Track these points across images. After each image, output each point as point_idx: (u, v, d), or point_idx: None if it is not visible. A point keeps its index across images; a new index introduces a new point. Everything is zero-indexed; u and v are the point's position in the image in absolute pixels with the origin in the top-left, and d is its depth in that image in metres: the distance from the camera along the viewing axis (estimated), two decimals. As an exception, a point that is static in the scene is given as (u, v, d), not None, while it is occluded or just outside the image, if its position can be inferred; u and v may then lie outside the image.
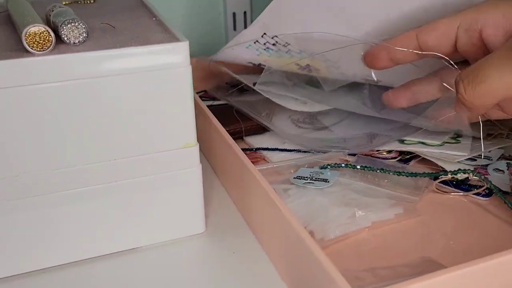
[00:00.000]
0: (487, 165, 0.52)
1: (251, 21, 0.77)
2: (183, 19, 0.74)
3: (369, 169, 0.49)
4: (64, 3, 0.60)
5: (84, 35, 0.39)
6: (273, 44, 0.58)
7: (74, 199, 0.39)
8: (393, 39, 0.48)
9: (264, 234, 0.43)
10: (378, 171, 0.49)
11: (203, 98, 0.69)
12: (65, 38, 0.39)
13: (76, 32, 0.39)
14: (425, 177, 0.48)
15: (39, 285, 0.39)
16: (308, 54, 0.56)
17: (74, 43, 0.39)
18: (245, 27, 0.77)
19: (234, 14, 0.75)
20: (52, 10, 0.43)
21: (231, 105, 0.64)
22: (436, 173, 0.49)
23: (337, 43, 0.52)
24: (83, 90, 0.36)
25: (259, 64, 0.62)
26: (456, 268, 0.30)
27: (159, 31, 0.43)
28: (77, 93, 0.36)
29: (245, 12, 0.72)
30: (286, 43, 0.57)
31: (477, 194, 0.48)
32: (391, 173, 0.48)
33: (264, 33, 0.57)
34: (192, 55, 0.39)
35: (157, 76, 0.37)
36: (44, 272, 0.40)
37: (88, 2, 0.61)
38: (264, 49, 0.59)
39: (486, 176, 0.51)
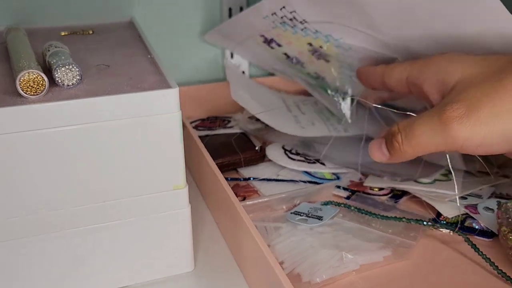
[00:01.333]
0: (477, 204, 0.52)
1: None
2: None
3: (361, 211, 0.50)
4: (62, 33, 0.61)
5: (78, 77, 0.40)
6: (290, 20, 0.56)
7: (67, 239, 0.39)
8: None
9: (250, 274, 0.43)
10: (366, 214, 0.49)
11: (199, 128, 0.70)
12: (59, 81, 0.39)
13: (70, 75, 0.40)
14: (412, 222, 0.48)
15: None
16: (324, 36, 0.56)
17: (68, 85, 0.40)
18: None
19: (230, 9, 0.75)
20: (48, 50, 0.44)
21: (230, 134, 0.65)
22: (419, 220, 0.48)
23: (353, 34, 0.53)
24: (75, 136, 0.36)
25: (271, 40, 0.62)
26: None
27: (152, 73, 0.43)
28: (69, 138, 0.36)
29: (241, 8, 0.73)
30: (304, 20, 0.56)
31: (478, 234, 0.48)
32: (379, 217, 0.48)
33: (283, 7, 0.55)
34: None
35: (148, 121, 0.38)
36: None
37: (87, 33, 0.62)
38: (280, 23, 0.58)
39: (475, 215, 0.51)
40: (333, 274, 0.42)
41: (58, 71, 0.39)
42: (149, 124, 0.38)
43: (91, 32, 0.63)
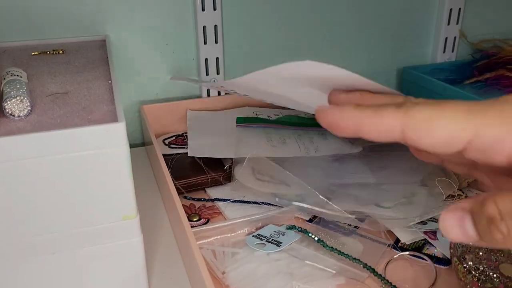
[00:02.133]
0: (436, 230, 0.52)
1: (224, 67, 0.79)
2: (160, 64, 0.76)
3: (319, 242, 0.49)
4: (33, 53, 0.62)
5: (28, 109, 0.40)
6: None
7: (18, 268, 0.40)
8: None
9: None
10: (323, 246, 0.49)
11: (171, 145, 0.70)
12: (9, 112, 0.40)
13: (21, 106, 0.40)
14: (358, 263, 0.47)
15: None
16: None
17: (18, 116, 0.40)
18: (217, 72, 0.78)
19: (206, 60, 0.76)
20: (4, 78, 0.44)
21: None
22: (366, 266, 0.47)
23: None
24: (22, 170, 0.37)
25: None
26: None
27: (106, 101, 0.44)
28: (17, 173, 0.37)
29: (216, 26, 0.74)
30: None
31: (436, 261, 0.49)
32: (334, 251, 0.48)
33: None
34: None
35: (95, 154, 0.38)
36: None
37: (57, 52, 0.63)
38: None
39: (434, 240, 0.51)
40: (284, 303, 0.43)
41: (9, 102, 0.40)
42: (96, 157, 0.38)
43: (61, 51, 0.63)
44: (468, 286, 0.43)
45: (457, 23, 0.88)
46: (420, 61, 0.92)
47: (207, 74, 0.78)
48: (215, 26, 0.75)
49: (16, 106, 0.40)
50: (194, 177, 0.62)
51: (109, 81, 0.50)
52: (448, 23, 0.88)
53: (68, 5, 0.70)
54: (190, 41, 0.76)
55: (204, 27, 0.75)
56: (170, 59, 0.77)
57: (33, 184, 0.38)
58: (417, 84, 0.84)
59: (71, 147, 0.37)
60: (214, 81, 0.79)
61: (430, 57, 0.92)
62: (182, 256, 0.50)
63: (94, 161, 0.38)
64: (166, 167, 0.55)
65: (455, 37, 0.89)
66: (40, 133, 0.36)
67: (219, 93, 0.79)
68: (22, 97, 0.40)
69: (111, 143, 0.38)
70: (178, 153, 0.67)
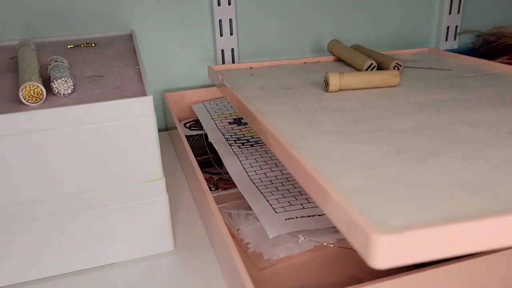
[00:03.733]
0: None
1: (239, 56, 0.86)
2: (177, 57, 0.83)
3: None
4: (69, 46, 0.70)
5: (72, 88, 0.48)
6: None
7: (64, 222, 0.48)
8: None
9: (217, 252, 0.50)
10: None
11: (192, 128, 0.78)
12: (56, 91, 0.47)
13: (65, 85, 0.48)
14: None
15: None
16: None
17: (63, 94, 0.48)
18: (233, 61, 0.85)
19: (222, 51, 0.84)
20: (50, 64, 0.52)
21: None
22: None
23: None
24: (67, 136, 0.44)
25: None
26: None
27: (135, 82, 0.51)
28: (63, 139, 0.44)
29: (230, 19, 0.81)
30: None
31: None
32: None
33: None
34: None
35: (127, 124, 0.45)
36: (37, 282, 0.49)
37: (90, 45, 0.71)
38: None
39: None
40: (290, 253, 0.49)
41: (55, 82, 0.47)
42: (128, 126, 0.45)
43: (93, 44, 0.71)
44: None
45: (458, 12, 0.93)
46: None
47: (223, 63, 0.85)
48: (230, 20, 0.83)
49: (62, 85, 0.48)
50: (211, 154, 0.69)
51: (137, 67, 0.57)
52: (450, 13, 0.93)
53: (98, 4, 0.78)
54: (208, 34, 0.84)
55: (220, 21, 0.82)
56: (190, 51, 0.84)
57: (78, 149, 0.45)
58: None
59: (108, 117, 0.45)
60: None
61: (433, 45, 0.97)
62: (202, 218, 0.57)
63: (127, 129, 0.46)
64: (188, 146, 0.62)
65: (456, 26, 0.95)
66: (83, 105, 0.44)
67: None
68: (66, 78, 0.48)
69: (141, 114, 0.45)
70: (197, 134, 0.74)
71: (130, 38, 0.74)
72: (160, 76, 0.84)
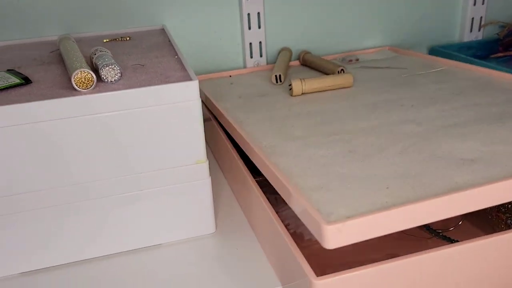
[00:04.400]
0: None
1: (266, 49, 0.88)
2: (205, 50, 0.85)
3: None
4: (105, 40, 0.72)
5: (119, 75, 0.50)
6: None
7: (115, 204, 0.50)
8: None
9: (260, 233, 0.52)
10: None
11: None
12: (104, 78, 0.49)
13: (113, 73, 0.50)
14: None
15: (87, 271, 0.50)
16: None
17: (111, 81, 0.50)
18: (260, 55, 0.87)
19: (250, 44, 0.86)
20: (95, 54, 0.54)
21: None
22: None
23: None
24: (118, 120, 0.46)
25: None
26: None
27: (178, 69, 0.53)
28: (114, 122, 0.46)
29: (258, 13, 0.83)
30: None
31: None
32: None
33: None
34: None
35: (174, 108, 0.47)
36: (90, 261, 0.51)
37: (125, 39, 0.73)
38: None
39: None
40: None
41: (104, 69, 0.49)
42: (175, 110, 0.47)
43: (128, 38, 0.73)
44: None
45: (483, 3, 0.94)
46: (449, 41, 0.98)
47: (251, 57, 0.87)
48: (258, 13, 0.84)
49: (110, 72, 0.50)
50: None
51: (176, 56, 0.59)
52: (474, 4, 0.94)
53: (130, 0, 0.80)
54: (236, 28, 0.85)
55: (248, 14, 0.84)
56: (218, 44, 0.86)
57: (129, 132, 0.47)
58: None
59: (157, 101, 0.47)
60: (258, 64, 0.88)
61: (458, 36, 0.98)
62: (240, 201, 0.59)
63: (174, 113, 0.47)
64: (224, 134, 0.64)
65: (481, 17, 0.95)
66: (133, 89, 0.46)
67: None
68: (114, 65, 0.50)
69: (187, 97, 0.47)
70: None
71: (162, 32, 0.76)
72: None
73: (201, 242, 0.53)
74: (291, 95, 0.68)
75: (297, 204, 0.40)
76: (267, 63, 0.88)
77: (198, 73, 0.86)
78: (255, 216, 0.53)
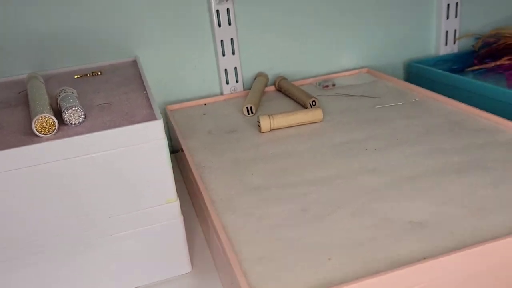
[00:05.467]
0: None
1: (242, 74, 0.87)
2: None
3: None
4: (76, 76, 0.71)
5: (83, 117, 0.49)
6: None
7: (82, 251, 0.48)
8: None
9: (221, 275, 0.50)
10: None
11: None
12: (67, 121, 0.48)
13: (76, 115, 0.49)
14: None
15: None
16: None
17: (74, 124, 0.49)
18: (237, 81, 0.86)
19: (225, 70, 0.85)
20: (59, 95, 0.53)
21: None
22: None
23: None
24: (81, 165, 0.45)
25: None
26: None
27: (145, 106, 0.52)
28: (77, 167, 0.45)
29: (231, 39, 0.83)
30: None
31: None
32: None
33: None
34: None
35: (139, 149, 0.46)
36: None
37: (96, 74, 0.72)
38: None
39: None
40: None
41: (66, 112, 0.48)
42: (140, 150, 0.46)
43: (99, 73, 0.72)
44: None
45: (456, 16, 0.94)
46: (426, 55, 0.98)
47: (227, 83, 0.86)
48: (231, 39, 0.84)
49: (73, 115, 0.48)
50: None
51: (144, 92, 0.58)
52: (447, 17, 0.94)
53: (102, 33, 0.79)
54: (210, 55, 0.85)
55: (221, 41, 0.83)
56: (194, 72, 0.85)
57: (93, 176, 0.46)
58: (422, 75, 0.91)
59: (120, 143, 0.45)
60: (235, 89, 0.87)
61: (434, 50, 0.98)
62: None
63: (139, 154, 0.46)
64: (197, 175, 0.63)
65: (455, 30, 0.96)
66: (96, 133, 0.45)
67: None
68: (77, 108, 0.49)
69: (152, 137, 0.46)
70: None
71: (134, 65, 0.76)
72: (165, 100, 0.85)
73: (177, 283, 0.52)
74: (260, 132, 0.67)
75: (230, 276, 0.39)
76: (244, 89, 0.88)
77: (173, 102, 0.85)
78: (214, 255, 0.52)
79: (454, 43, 0.97)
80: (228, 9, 0.82)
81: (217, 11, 0.81)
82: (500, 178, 0.48)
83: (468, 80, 0.80)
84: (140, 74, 0.68)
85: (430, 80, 0.89)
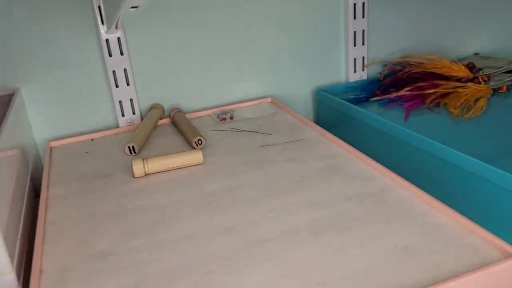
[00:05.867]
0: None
1: (139, 106, 0.83)
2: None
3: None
4: None
5: None
6: None
7: None
8: None
9: None
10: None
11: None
12: None
13: None
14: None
15: None
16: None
17: None
18: (133, 112, 0.82)
19: (120, 102, 0.81)
20: None
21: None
22: None
23: None
24: None
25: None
26: None
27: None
28: None
29: (131, 99, 0.81)
30: None
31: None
32: None
33: None
34: None
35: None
36: None
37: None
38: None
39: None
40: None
41: None
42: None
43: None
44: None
45: (363, 44, 0.93)
46: (337, 81, 0.96)
47: (123, 115, 0.82)
48: (125, 70, 0.80)
49: None
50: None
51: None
52: (355, 45, 0.93)
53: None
54: (102, 86, 0.80)
55: (113, 72, 0.79)
56: (86, 103, 0.81)
57: None
58: (327, 105, 0.89)
59: None
60: (131, 122, 0.83)
61: (344, 77, 0.96)
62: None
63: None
64: (40, 238, 0.59)
65: (363, 57, 0.94)
66: None
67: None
68: None
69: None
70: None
71: (9, 100, 0.70)
72: (53, 134, 0.80)
73: None
74: (133, 177, 0.63)
75: None
76: (142, 120, 0.83)
77: (61, 137, 0.80)
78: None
79: (363, 70, 0.95)
80: (119, 38, 0.78)
81: (107, 40, 0.77)
82: (352, 242, 0.45)
83: (364, 112, 0.79)
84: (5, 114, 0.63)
85: (334, 109, 0.87)
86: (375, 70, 0.97)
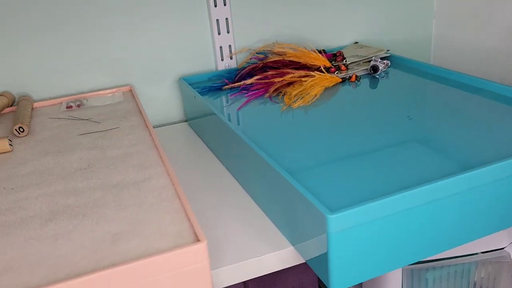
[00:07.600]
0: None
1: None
2: None
3: None
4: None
5: None
6: None
7: None
8: None
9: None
10: None
11: None
12: None
13: None
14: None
15: None
16: None
17: None
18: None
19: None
20: None
21: None
22: None
23: None
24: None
25: None
26: None
27: None
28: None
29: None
30: None
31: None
32: None
33: None
34: None
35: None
36: None
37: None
38: None
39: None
40: None
41: None
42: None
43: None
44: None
45: (228, 32, 0.94)
46: (208, 69, 0.98)
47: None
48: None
49: None
50: None
51: None
52: (219, 33, 0.94)
53: None
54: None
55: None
56: None
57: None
58: (186, 93, 0.91)
59: None
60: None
61: (214, 65, 0.98)
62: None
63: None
64: None
65: (229, 45, 0.96)
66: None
67: None
68: None
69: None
70: None
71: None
72: None
73: None
74: None
75: None
76: None
77: None
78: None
79: (231, 58, 0.97)
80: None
81: None
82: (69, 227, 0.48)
83: (203, 101, 0.81)
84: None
85: (190, 96, 0.89)
86: (245, 59, 0.98)
